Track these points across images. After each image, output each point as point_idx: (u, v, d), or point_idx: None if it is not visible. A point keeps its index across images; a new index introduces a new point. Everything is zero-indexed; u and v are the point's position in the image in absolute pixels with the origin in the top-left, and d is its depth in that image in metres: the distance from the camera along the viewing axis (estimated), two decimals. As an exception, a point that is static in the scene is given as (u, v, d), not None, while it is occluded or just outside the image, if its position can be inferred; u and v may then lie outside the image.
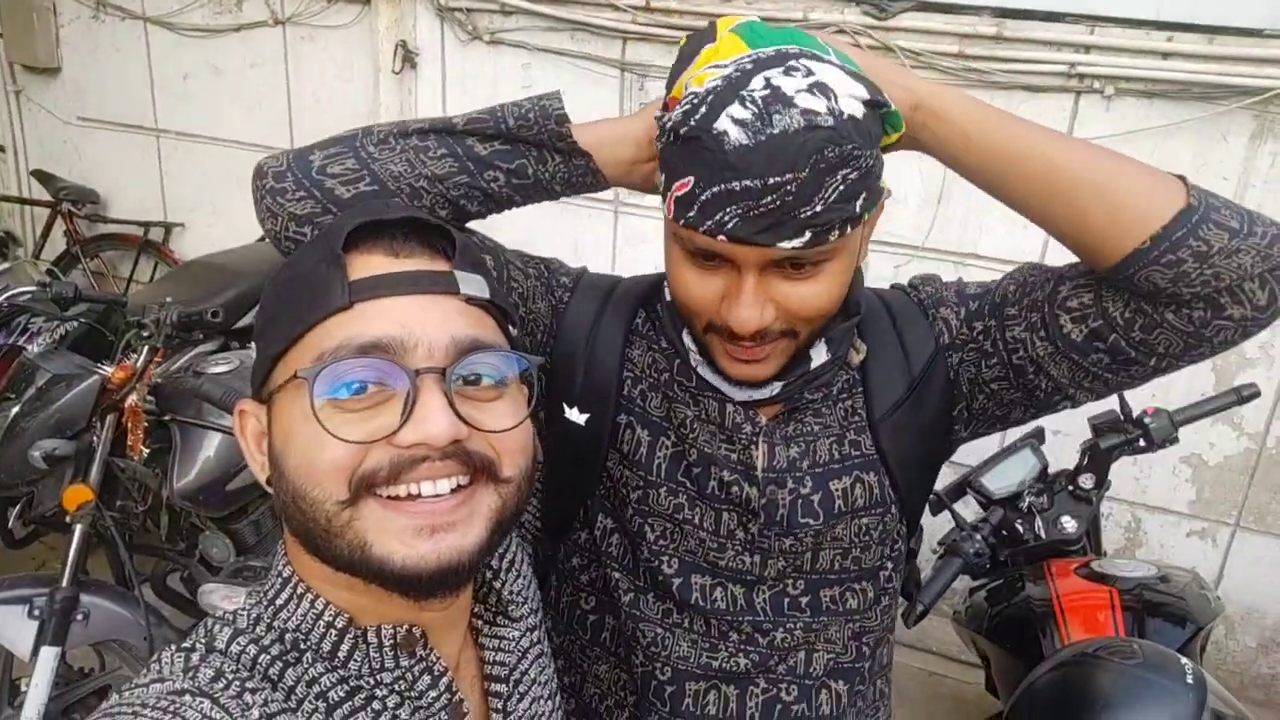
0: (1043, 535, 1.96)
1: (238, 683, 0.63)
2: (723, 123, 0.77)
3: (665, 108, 0.86)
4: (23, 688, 2.02)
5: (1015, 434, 2.20)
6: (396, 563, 0.64)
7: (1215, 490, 2.84)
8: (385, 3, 3.33)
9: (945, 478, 2.19)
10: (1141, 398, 2.34)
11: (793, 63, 0.79)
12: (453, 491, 0.66)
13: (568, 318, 1.01)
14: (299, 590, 0.70)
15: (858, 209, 0.81)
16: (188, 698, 0.60)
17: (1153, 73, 2.52)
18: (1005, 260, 2.80)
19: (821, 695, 1.03)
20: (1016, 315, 0.94)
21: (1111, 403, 1.99)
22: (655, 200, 0.91)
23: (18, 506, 2.43)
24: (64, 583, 2.01)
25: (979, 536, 1.89)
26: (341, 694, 0.68)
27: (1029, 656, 1.72)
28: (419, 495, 0.65)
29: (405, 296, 0.67)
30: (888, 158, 0.99)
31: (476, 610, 0.82)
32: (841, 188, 0.78)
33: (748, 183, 0.77)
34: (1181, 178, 0.84)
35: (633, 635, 1.02)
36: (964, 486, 2.10)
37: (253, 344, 0.66)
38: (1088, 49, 2.59)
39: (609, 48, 3.11)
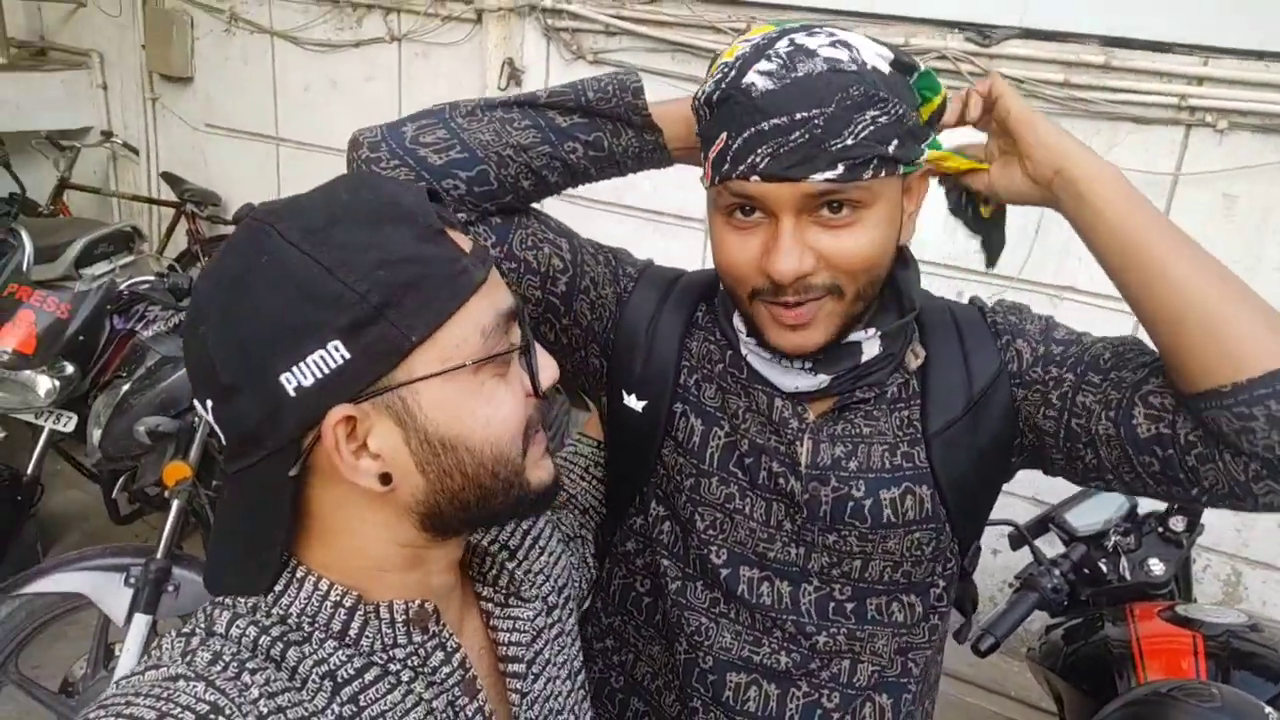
0: (1127, 576, 1.87)
1: (236, 664, 0.63)
2: (750, 77, 0.81)
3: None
4: (116, 652, 2.14)
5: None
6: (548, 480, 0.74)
7: (1325, 549, 2.68)
8: (495, 22, 3.45)
9: (1029, 512, 2.13)
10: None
11: (817, 28, 0.84)
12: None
13: (630, 306, 1.04)
14: (299, 574, 0.68)
15: (891, 151, 0.82)
16: (182, 683, 0.60)
17: (1269, 106, 2.42)
18: (1102, 295, 2.71)
19: (866, 708, 1.02)
20: (1098, 384, 0.92)
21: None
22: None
23: (121, 479, 2.57)
24: (159, 554, 2.12)
25: (1058, 572, 1.82)
26: (351, 672, 0.67)
27: (1103, 698, 1.64)
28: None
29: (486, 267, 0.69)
30: None
31: (486, 594, 0.82)
32: (871, 128, 0.80)
33: (776, 121, 0.80)
34: None
35: (678, 622, 1.03)
36: (1046, 522, 2.03)
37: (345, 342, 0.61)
38: (1200, 80, 2.50)
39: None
